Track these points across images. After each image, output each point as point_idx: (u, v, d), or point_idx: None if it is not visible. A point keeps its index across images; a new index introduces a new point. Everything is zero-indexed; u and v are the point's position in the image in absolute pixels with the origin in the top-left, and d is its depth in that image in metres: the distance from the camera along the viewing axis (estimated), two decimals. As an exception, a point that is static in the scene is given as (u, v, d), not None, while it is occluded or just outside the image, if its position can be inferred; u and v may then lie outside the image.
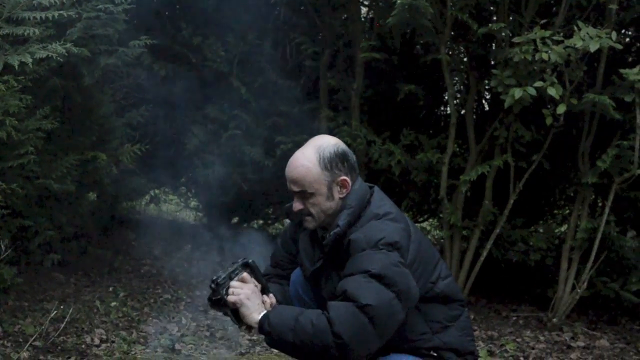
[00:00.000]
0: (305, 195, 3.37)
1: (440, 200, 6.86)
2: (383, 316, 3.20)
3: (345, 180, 3.38)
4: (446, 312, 3.54)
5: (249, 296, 3.35)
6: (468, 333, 3.67)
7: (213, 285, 3.39)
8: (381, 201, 3.48)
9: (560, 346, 6.31)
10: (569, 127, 6.67)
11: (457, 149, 7.12)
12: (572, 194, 7.56)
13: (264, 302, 3.42)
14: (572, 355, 6.08)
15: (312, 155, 3.35)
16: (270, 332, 3.26)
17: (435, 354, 3.49)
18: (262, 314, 3.32)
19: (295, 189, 3.39)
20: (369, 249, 3.25)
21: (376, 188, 3.56)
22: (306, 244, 3.63)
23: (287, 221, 3.90)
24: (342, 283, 3.24)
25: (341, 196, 3.40)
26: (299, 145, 7.56)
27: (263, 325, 3.28)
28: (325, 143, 3.39)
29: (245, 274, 3.42)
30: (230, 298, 3.35)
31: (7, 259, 5.08)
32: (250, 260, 3.48)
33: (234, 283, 3.38)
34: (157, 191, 9.06)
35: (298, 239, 3.71)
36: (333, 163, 3.35)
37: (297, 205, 3.43)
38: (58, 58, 5.19)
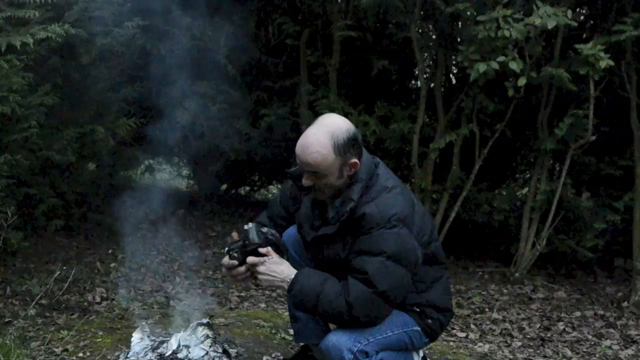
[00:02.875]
0: (317, 175, 3.34)
1: (412, 166, 6.91)
2: (397, 294, 3.36)
3: (356, 162, 3.35)
4: (431, 273, 3.59)
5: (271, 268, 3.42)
6: (448, 292, 3.74)
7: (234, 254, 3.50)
8: (388, 174, 3.50)
9: (522, 298, 6.39)
10: (529, 98, 6.72)
11: (427, 120, 7.15)
12: (532, 160, 7.60)
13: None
14: (533, 306, 6.16)
15: (326, 141, 3.26)
16: (296, 293, 3.37)
17: (417, 310, 3.56)
18: (293, 275, 3.39)
19: (308, 169, 3.34)
20: (383, 225, 3.27)
21: (379, 160, 3.55)
22: (307, 208, 3.62)
23: (279, 187, 3.91)
24: (361, 262, 3.29)
25: (350, 174, 3.38)
26: (281, 117, 7.59)
27: (294, 285, 3.37)
28: (338, 128, 3.30)
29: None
30: (261, 278, 3.45)
31: (14, 224, 5.07)
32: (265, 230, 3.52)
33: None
34: (151, 161, 9.04)
35: (298, 199, 3.70)
36: (346, 148, 3.30)
37: (307, 182, 3.40)
38: (57, 39, 5.16)
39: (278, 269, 3.43)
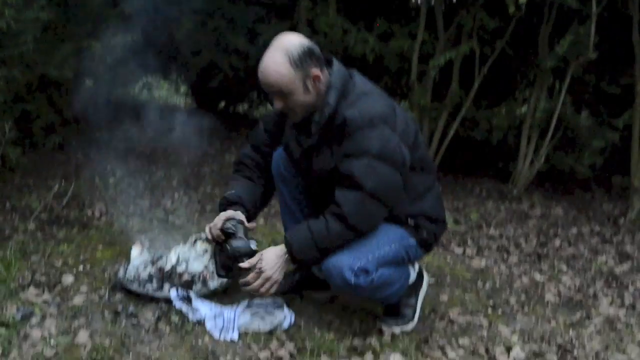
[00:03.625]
0: (283, 94, 3.34)
1: (411, 84, 6.85)
2: (389, 193, 3.37)
3: (317, 74, 3.34)
4: (422, 181, 3.59)
5: (269, 275, 3.46)
6: (440, 202, 3.75)
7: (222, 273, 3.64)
8: (364, 81, 3.49)
9: (520, 215, 6.42)
10: (530, 16, 6.61)
11: (427, 37, 7.05)
12: (532, 78, 7.54)
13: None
14: (530, 223, 6.19)
15: (281, 58, 3.27)
16: (299, 254, 3.40)
17: (412, 222, 3.57)
18: (284, 246, 3.42)
19: (273, 90, 3.35)
20: (365, 126, 3.28)
21: (355, 70, 3.54)
22: (291, 129, 3.62)
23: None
24: (347, 165, 3.31)
25: (316, 88, 3.37)
26: (280, 33, 7.47)
27: (292, 249, 3.39)
28: (291, 44, 3.31)
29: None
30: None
31: (12, 140, 5.06)
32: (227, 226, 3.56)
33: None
34: (149, 78, 8.98)
35: (281, 124, 3.71)
36: (303, 61, 3.29)
37: (277, 105, 3.41)
38: (52, -50, 5.06)
39: (272, 257, 3.46)
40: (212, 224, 3.61)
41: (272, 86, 3.33)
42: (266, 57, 3.33)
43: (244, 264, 3.48)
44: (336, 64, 3.45)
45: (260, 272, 3.45)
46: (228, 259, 3.56)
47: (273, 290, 3.51)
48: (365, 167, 3.28)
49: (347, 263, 3.32)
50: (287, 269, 3.51)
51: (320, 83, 3.37)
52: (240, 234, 3.56)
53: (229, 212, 3.61)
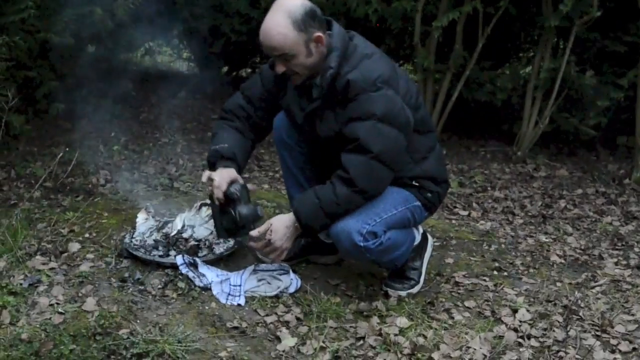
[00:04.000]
0: (286, 57, 3.31)
1: (415, 46, 6.80)
2: (395, 155, 3.38)
3: (319, 36, 3.31)
4: (424, 142, 3.60)
5: (277, 243, 3.49)
6: (442, 163, 3.78)
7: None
8: (365, 43, 3.47)
9: (524, 176, 6.41)
10: (534, -26, 6.55)
11: (430, -3, 6.99)
12: (536, 37, 7.49)
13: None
14: (535, 184, 6.18)
15: (283, 20, 3.24)
16: (307, 221, 3.41)
17: (416, 184, 3.58)
18: (292, 214, 3.45)
19: (275, 53, 3.32)
20: (369, 89, 3.27)
21: (355, 32, 3.52)
22: (293, 93, 3.59)
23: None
24: (352, 128, 3.31)
25: (318, 50, 3.34)
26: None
27: (300, 217, 3.41)
28: (293, 5, 3.27)
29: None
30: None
31: (15, 108, 5.04)
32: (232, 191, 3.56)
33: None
34: (151, 43, 8.92)
35: (281, 85, 3.65)
36: (306, 23, 3.26)
37: (279, 68, 3.38)
38: None
39: (281, 228, 3.47)
40: (215, 185, 3.57)
41: (274, 49, 3.30)
42: (268, 19, 3.30)
43: (254, 232, 3.49)
44: (336, 26, 3.42)
45: (269, 242, 3.46)
46: (234, 224, 3.57)
47: (282, 258, 3.53)
48: (371, 130, 3.27)
49: (355, 227, 3.33)
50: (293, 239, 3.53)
51: (322, 45, 3.35)
52: (245, 199, 3.57)
53: (231, 174, 3.59)
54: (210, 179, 3.59)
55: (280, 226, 3.47)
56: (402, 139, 3.37)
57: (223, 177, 3.58)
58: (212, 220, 3.88)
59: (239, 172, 3.65)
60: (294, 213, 3.44)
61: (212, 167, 3.66)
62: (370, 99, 3.28)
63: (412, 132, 3.45)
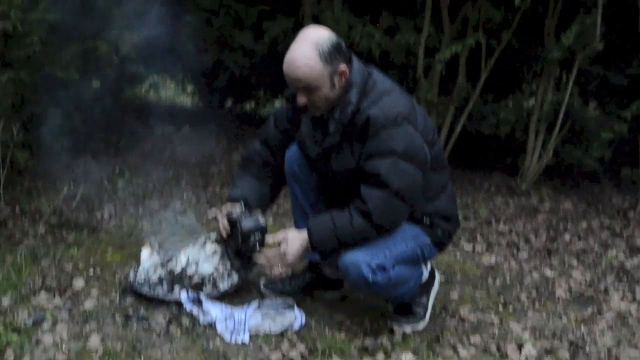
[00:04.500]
0: (309, 89, 3.31)
1: (418, 79, 6.82)
2: (412, 192, 3.39)
3: (345, 70, 3.32)
4: (437, 179, 3.60)
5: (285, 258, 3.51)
6: (454, 201, 3.77)
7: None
8: (384, 78, 3.48)
9: (529, 210, 6.40)
10: (536, 7, 6.57)
11: (433, 31, 7.02)
12: (539, 70, 7.51)
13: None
14: (539, 217, 6.17)
15: (311, 52, 3.24)
16: (318, 244, 3.42)
17: (427, 220, 3.58)
18: (306, 233, 3.45)
19: (300, 85, 3.31)
20: (389, 125, 3.28)
21: (373, 67, 3.52)
22: (308, 126, 3.59)
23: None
24: (373, 164, 3.32)
25: (341, 83, 3.35)
26: (285, 31, 7.48)
27: (312, 238, 3.42)
28: (320, 37, 3.28)
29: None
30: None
31: (20, 143, 5.06)
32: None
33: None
34: (155, 78, 8.97)
35: (295, 121, 3.67)
36: (332, 55, 3.27)
37: (301, 99, 3.36)
38: (57, -49, 5.06)
39: (295, 242, 3.48)
40: (218, 218, 3.64)
41: (299, 80, 3.29)
42: (294, 49, 3.29)
43: (269, 239, 3.53)
44: (355, 61, 3.42)
45: (283, 254, 3.47)
46: (242, 242, 3.57)
47: (285, 274, 3.56)
48: (392, 167, 3.28)
49: (364, 260, 3.33)
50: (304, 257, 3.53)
51: (346, 79, 3.35)
52: (247, 215, 3.59)
53: (228, 206, 3.64)
54: (215, 217, 3.62)
55: (294, 239, 3.48)
56: (420, 175, 3.38)
57: (225, 208, 3.64)
58: (216, 256, 3.89)
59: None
60: (307, 231, 3.44)
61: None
62: (391, 135, 3.28)
63: (429, 168, 3.46)
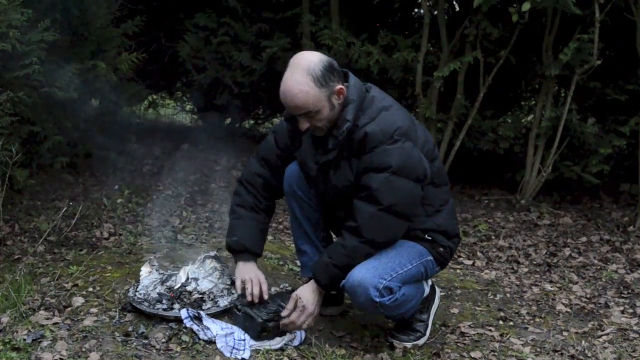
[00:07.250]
0: (310, 114, 3.31)
1: (416, 96, 6.86)
2: (406, 206, 3.38)
3: (341, 88, 3.33)
4: (439, 195, 3.60)
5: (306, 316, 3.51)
6: (454, 217, 3.75)
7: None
8: (382, 94, 3.48)
9: (528, 225, 6.40)
10: (534, 24, 6.62)
11: (431, 48, 7.07)
12: (537, 86, 7.55)
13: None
14: (539, 233, 6.18)
15: (305, 78, 3.24)
16: (327, 283, 3.45)
17: (429, 237, 3.57)
18: (313, 282, 3.49)
19: (300, 112, 3.32)
20: (386, 141, 3.28)
21: (371, 84, 3.53)
22: (308, 144, 3.59)
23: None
24: (367, 179, 3.33)
25: (340, 102, 3.36)
26: (283, 49, 7.53)
27: (320, 281, 3.46)
28: (311, 62, 3.28)
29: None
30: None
31: (19, 162, 5.07)
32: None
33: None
34: (154, 96, 9.01)
35: (295, 138, 3.67)
36: (326, 78, 3.27)
37: (303, 125, 3.37)
38: (55, -26, 5.09)
39: (309, 294, 3.49)
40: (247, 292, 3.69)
41: (298, 108, 3.30)
42: (288, 79, 3.29)
43: (284, 312, 3.51)
44: (352, 78, 3.43)
45: (303, 309, 3.47)
46: (261, 332, 3.58)
47: (311, 322, 3.54)
48: (385, 182, 3.28)
49: (372, 282, 3.32)
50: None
51: (344, 97, 3.36)
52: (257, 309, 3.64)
53: (251, 273, 3.70)
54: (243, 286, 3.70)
55: (307, 293, 3.48)
56: (418, 189, 3.38)
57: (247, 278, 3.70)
58: (215, 272, 3.90)
59: (257, 255, 3.78)
60: (313, 279, 3.47)
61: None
62: (387, 151, 3.28)
63: (429, 184, 3.46)
